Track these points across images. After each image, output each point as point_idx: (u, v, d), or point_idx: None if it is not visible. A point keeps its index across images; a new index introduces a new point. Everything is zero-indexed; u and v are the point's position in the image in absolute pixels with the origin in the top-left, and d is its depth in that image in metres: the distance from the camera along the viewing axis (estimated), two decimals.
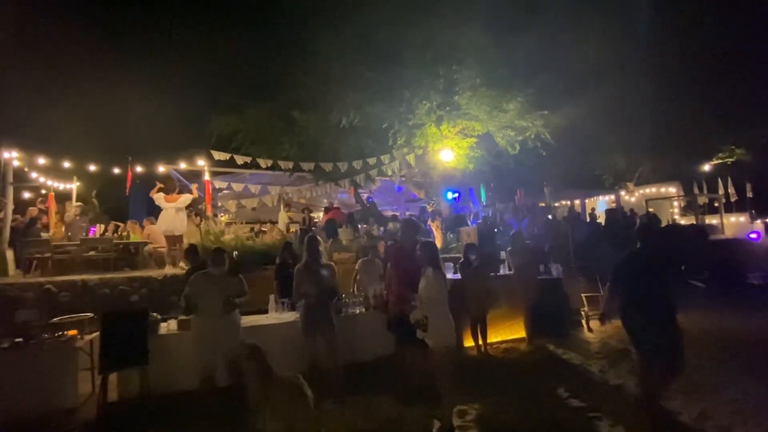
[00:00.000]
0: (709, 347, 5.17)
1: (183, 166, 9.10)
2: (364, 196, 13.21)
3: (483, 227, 8.81)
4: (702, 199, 14.91)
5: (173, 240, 7.59)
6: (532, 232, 8.40)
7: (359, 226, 11.12)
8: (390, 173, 10.46)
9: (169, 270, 7.05)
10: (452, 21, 8.68)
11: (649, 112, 14.19)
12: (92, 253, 7.52)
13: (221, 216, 12.05)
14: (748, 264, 10.00)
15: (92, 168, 8.73)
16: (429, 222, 10.85)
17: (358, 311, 5.01)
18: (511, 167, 10.30)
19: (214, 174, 10.32)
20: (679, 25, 12.48)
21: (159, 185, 8.06)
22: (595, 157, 15.51)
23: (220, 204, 11.94)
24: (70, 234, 8.33)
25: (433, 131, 9.15)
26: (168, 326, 4.44)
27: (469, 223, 10.66)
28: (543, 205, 13.83)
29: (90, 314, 4.42)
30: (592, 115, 9.87)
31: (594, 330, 6.39)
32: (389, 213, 15.29)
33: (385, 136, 9.37)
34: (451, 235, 10.34)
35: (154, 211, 9.38)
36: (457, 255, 7.56)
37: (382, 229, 10.91)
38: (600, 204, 16.25)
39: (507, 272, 6.52)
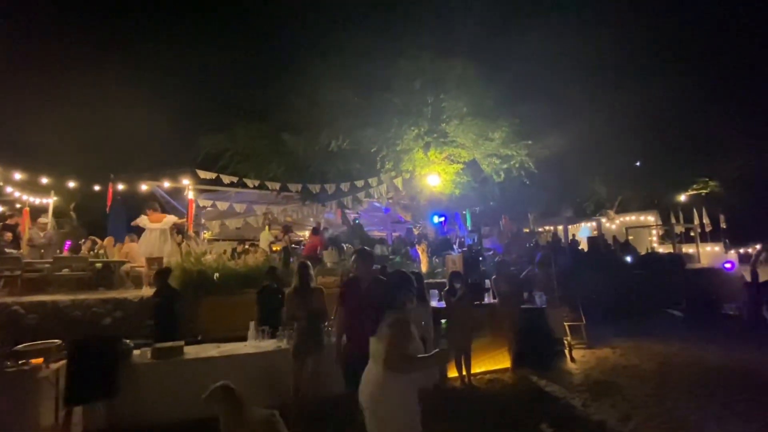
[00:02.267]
0: (689, 381, 5.22)
1: (167, 184, 8.95)
2: (351, 216, 13.20)
3: (468, 255, 8.86)
4: (679, 228, 15.39)
5: (154, 261, 7.37)
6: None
7: (344, 247, 11.06)
8: (377, 196, 10.51)
9: (146, 291, 6.81)
10: (441, 52, 8.99)
11: (629, 143, 14.78)
12: (65, 271, 7.24)
13: (204, 233, 11.83)
14: (723, 294, 10.27)
15: (71, 184, 8.52)
16: (415, 245, 10.88)
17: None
18: (496, 193, 10.48)
19: (198, 192, 10.18)
20: (657, 63, 13.18)
21: (149, 212, 7.76)
22: (576, 185, 15.96)
23: (203, 221, 11.74)
24: (43, 251, 8.03)
25: (420, 156, 9.29)
26: (141, 354, 4.25)
27: (454, 247, 10.71)
28: (527, 231, 14.08)
29: (57, 341, 4.20)
30: (574, 145, 10.23)
31: (577, 360, 6.40)
32: (376, 234, 15.27)
33: (374, 160, 9.46)
34: (437, 260, 10.36)
35: (135, 229, 9.16)
36: (442, 280, 7.55)
37: None
38: (582, 231, 16.61)
39: (491, 300, 6.52)
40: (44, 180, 8.38)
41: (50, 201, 9.43)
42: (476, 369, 5.62)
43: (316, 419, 3.88)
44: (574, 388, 5.16)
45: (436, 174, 9.48)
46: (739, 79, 14.59)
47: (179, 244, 8.29)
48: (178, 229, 9.25)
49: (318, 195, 10.23)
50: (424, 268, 9.86)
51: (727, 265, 12.28)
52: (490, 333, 5.87)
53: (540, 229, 15.72)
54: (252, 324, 4.83)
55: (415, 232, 11.32)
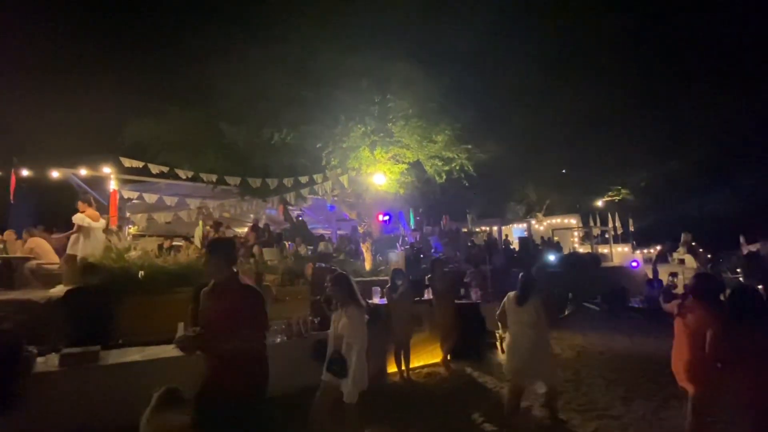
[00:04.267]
0: (601, 368, 5.83)
1: (84, 172, 8.04)
2: (294, 213, 12.86)
3: (410, 253, 9.06)
4: (596, 231, 17.15)
5: (71, 258, 6.52)
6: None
7: (286, 244, 10.74)
8: (322, 193, 10.35)
9: (56, 291, 6.06)
10: (389, 54, 9.08)
11: (557, 152, 16.33)
12: None
13: (129, 228, 10.82)
14: (630, 288, 11.61)
15: None
16: (360, 243, 10.89)
17: (279, 340, 4.77)
18: (438, 194, 10.86)
19: (123, 182, 9.28)
20: (579, 84, 14.69)
21: (83, 206, 6.66)
22: (510, 188, 17.26)
23: (128, 215, 10.74)
24: None
25: (366, 155, 9.30)
26: (47, 362, 3.78)
27: (397, 245, 10.91)
28: (465, 230, 14.76)
29: None
30: (509, 152, 10.94)
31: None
32: (321, 232, 15.03)
33: (319, 156, 9.30)
34: (380, 258, 10.48)
35: (44, 222, 8.10)
36: (384, 278, 7.64)
37: (310, 248, 10.65)
38: (514, 231, 17.84)
39: (430, 297, 6.74)
40: None
41: None
42: (415, 363, 5.79)
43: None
44: (504, 377, 5.51)
45: (381, 173, 9.57)
46: (647, 104, 16.85)
47: None
48: None
49: (259, 190, 9.82)
50: (367, 266, 9.91)
51: (634, 264, 13.90)
52: (429, 328, 6.08)
53: (477, 229, 16.56)
54: (181, 325, 4.50)
55: (360, 230, 11.33)
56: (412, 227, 13.69)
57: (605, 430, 3.83)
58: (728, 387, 2.80)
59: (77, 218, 6.44)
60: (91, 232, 6.46)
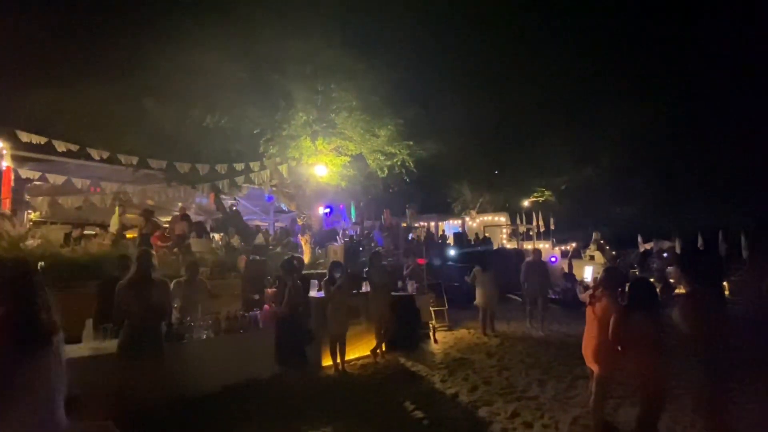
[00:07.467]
0: (521, 353, 6.32)
1: None
2: (227, 202, 12.14)
3: (349, 245, 9.05)
4: (522, 228, 18.56)
5: None
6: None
7: (216, 236, 10.11)
8: (258, 182, 9.87)
9: None
10: (334, 42, 8.86)
11: (490, 155, 17.48)
12: None
13: (29, 213, 9.43)
14: (549, 281, 12.70)
15: None
16: (298, 236, 10.62)
17: (204, 336, 4.48)
18: (380, 189, 10.95)
19: (20, 160, 8.05)
20: (510, 96, 15.91)
21: None
22: (447, 186, 18.13)
23: (27, 198, 9.34)
24: None
25: (308, 145, 9.04)
26: None
27: (338, 238, 10.83)
28: (405, 225, 15.09)
29: None
30: (447, 151, 11.39)
31: (439, 341, 7.14)
32: (258, 224, 14.37)
33: (256, 143, 8.84)
34: (320, 251, 10.31)
35: None
36: (323, 271, 7.54)
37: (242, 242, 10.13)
38: (446, 227, 18.70)
39: (368, 289, 6.80)
40: None
41: None
42: (350, 355, 5.81)
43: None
44: (435, 366, 5.76)
45: (323, 164, 9.38)
46: (568, 116, 18.79)
47: None
48: None
49: (187, 176, 9.10)
50: (306, 258, 9.70)
51: (553, 259, 15.24)
52: (365, 320, 6.13)
53: (416, 225, 17.04)
54: (89, 322, 4.04)
55: (299, 222, 11.03)
56: (353, 220, 13.68)
57: (523, 410, 4.16)
58: (626, 366, 3.20)
59: None
60: None
